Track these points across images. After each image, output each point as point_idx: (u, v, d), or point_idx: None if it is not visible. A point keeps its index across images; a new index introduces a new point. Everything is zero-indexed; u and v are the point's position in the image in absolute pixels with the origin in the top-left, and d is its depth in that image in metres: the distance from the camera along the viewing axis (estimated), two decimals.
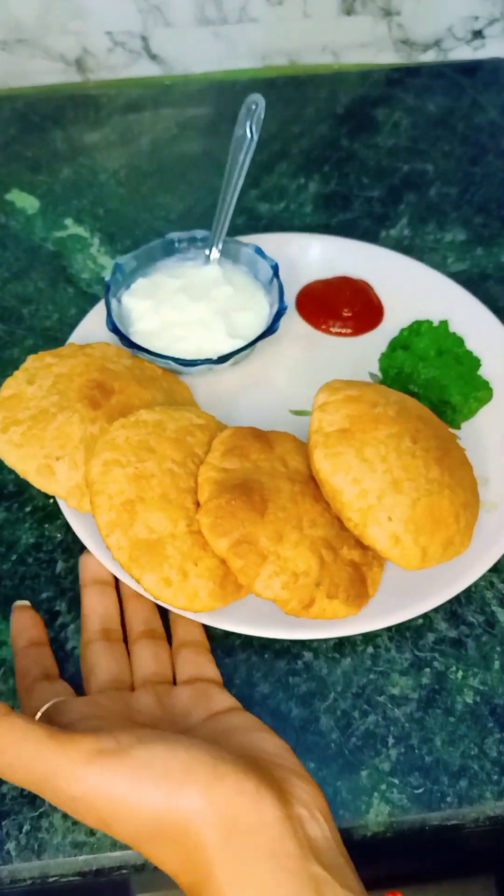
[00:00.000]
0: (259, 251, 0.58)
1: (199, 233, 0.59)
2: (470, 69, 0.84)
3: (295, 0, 0.79)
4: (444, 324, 0.55)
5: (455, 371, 0.52)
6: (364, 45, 0.84)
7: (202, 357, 0.53)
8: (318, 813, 0.33)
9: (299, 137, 0.77)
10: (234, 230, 0.59)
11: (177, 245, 0.59)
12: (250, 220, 0.68)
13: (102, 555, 0.45)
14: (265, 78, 0.83)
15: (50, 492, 0.46)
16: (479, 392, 0.52)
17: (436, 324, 0.55)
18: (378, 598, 0.44)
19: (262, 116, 0.58)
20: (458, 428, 0.52)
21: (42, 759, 0.30)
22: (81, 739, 0.31)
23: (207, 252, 0.59)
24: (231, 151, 0.58)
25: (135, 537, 0.42)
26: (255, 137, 0.58)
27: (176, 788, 0.30)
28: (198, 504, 0.44)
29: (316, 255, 0.63)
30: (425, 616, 0.46)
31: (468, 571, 0.45)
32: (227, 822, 0.30)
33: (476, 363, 0.53)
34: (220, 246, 0.59)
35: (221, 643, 0.45)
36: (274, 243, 0.61)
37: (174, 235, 0.59)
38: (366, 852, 0.48)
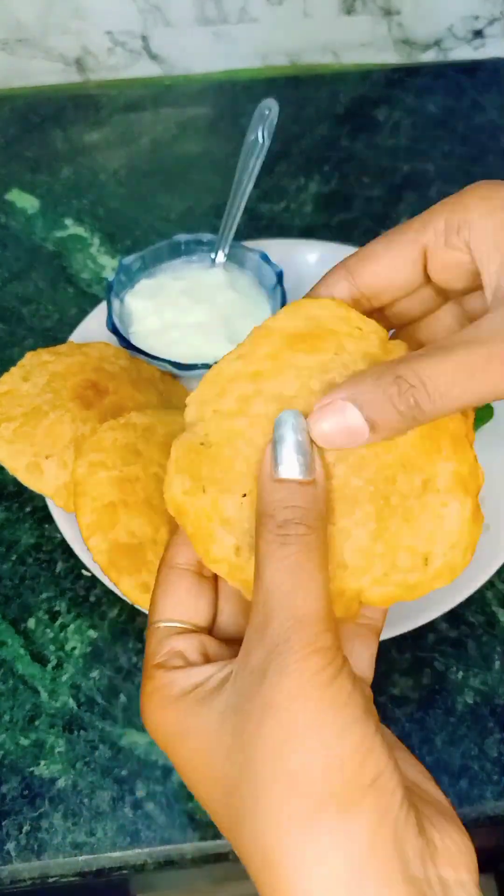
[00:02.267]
0: (265, 257, 0.58)
1: (206, 236, 0.59)
2: (470, 69, 0.84)
3: (295, 0, 0.79)
4: None
5: None
6: (364, 45, 0.84)
7: (200, 361, 0.53)
8: (465, 873, 0.25)
9: (299, 137, 0.77)
10: (236, 231, 0.59)
11: (183, 247, 0.59)
12: (251, 221, 0.68)
13: (85, 556, 0.45)
14: (265, 78, 0.83)
15: (37, 490, 0.46)
16: (480, 411, 0.51)
17: None
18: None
19: (275, 122, 0.58)
20: None
21: None
22: None
23: (213, 256, 0.59)
24: (241, 156, 0.58)
25: (115, 541, 0.42)
26: (268, 143, 0.58)
27: None
28: None
29: (324, 263, 0.62)
30: None
31: (455, 592, 0.44)
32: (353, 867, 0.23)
33: None
34: (226, 250, 0.58)
35: None
36: (281, 249, 0.60)
37: (181, 237, 0.59)
38: None
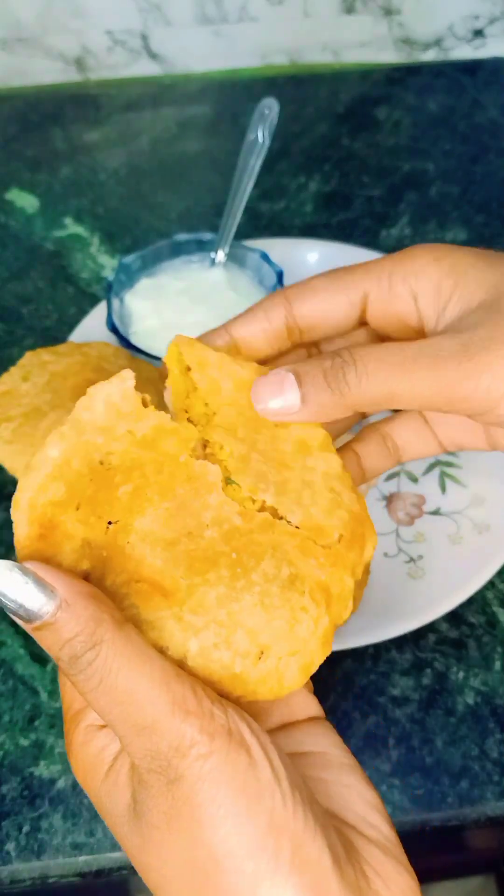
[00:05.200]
0: (265, 257, 0.58)
1: (206, 235, 0.59)
2: (470, 68, 0.84)
3: (295, 0, 0.79)
4: None
5: None
6: (364, 44, 0.84)
7: None
8: None
9: (300, 136, 0.77)
10: (236, 230, 0.58)
11: (183, 247, 0.59)
12: (251, 220, 0.68)
13: None
14: (265, 77, 0.83)
15: None
16: None
17: None
18: (355, 619, 0.43)
19: (276, 121, 0.58)
20: None
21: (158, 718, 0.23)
22: None
23: (213, 255, 0.59)
24: (241, 155, 0.58)
25: None
26: (268, 142, 0.58)
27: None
28: None
29: (324, 263, 0.61)
30: None
31: (456, 593, 0.45)
32: None
33: None
34: (226, 250, 0.58)
35: None
36: (281, 249, 0.60)
37: (181, 237, 0.59)
38: None
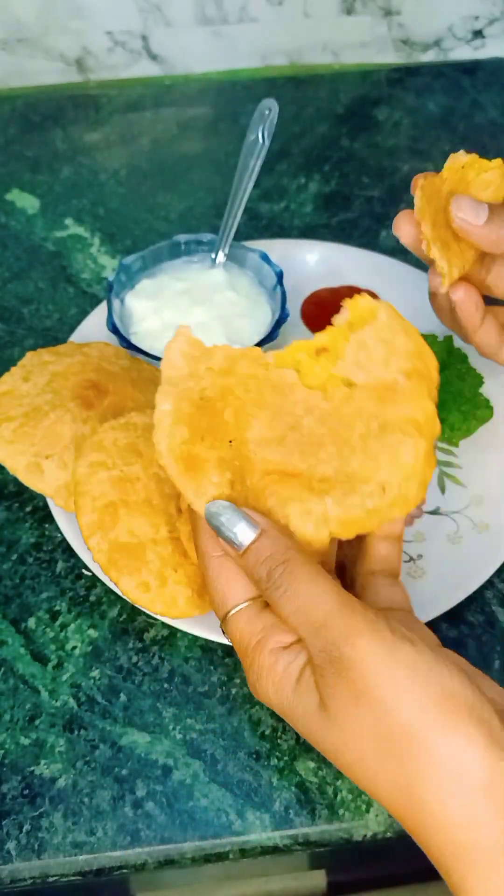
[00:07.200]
0: (265, 257, 0.58)
1: (206, 236, 0.59)
2: (470, 69, 0.84)
3: (295, 0, 0.79)
4: (448, 339, 0.54)
5: (456, 388, 0.52)
6: (364, 45, 0.84)
7: None
8: None
9: (299, 137, 0.77)
10: (236, 231, 0.59)
11: (183, 247, 0.59)
12: (251, 221, 0.68)
13: (85, 555, 0.45)
14: (265, 78, 0.83)
15: (38, 490, 0.47)
16: (480, 410, 0.51)
17: (440, 338, 0.55)
18: None
19: (275, 122, 0.58)
20: (457, 445, 0.52)
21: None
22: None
23: (213, 256, 0.59)
24: (241, 156, 0.58)
25: (115, 540, 0.42)
26: (268, 143, 0.58)
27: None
28: (180, 510, 0.44)
29: (324, 263, 0.62)
30: None
31: (455, 592, 0.45)
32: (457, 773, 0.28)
33: (478, 381, 0.53)
34: (226, 250, 0.58)
35: (223, 643, 0.45)
36: (281, 249, 0.60)
37: (181, 237, 0.59)
38: (366, 852, 0.48)
